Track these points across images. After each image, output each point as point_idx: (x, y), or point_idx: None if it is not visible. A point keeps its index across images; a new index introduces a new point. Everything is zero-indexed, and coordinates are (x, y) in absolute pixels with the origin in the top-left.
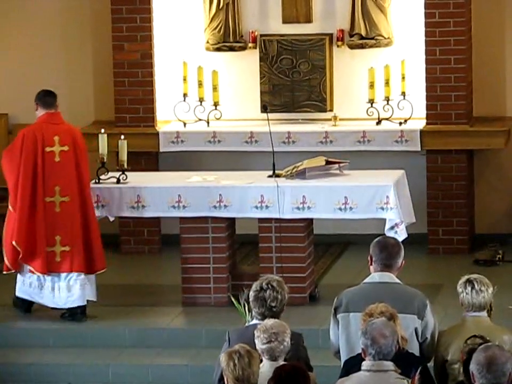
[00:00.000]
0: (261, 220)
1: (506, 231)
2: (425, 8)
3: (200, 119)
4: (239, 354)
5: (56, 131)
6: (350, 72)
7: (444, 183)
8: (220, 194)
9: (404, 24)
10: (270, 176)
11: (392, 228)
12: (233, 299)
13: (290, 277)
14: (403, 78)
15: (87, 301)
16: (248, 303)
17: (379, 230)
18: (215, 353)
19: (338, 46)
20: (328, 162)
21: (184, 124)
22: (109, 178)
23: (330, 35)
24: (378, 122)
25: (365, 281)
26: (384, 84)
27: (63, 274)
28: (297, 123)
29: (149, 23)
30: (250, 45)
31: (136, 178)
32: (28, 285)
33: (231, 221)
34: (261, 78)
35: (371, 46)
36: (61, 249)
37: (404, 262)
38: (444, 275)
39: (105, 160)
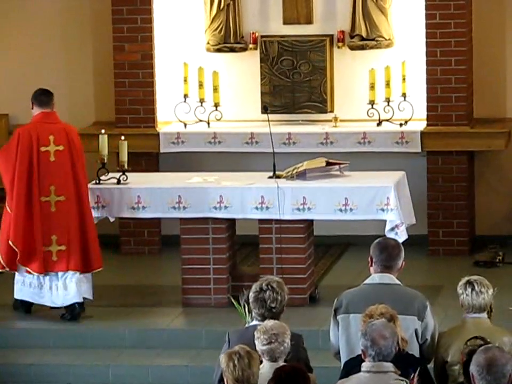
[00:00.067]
0: (261, 221)
1: (507, 232)
2: (426, 10)
3: (200, 120)
4: (239, 355)
5: (51, 130)
6: (350, 73)
7: (444, 184)
8: (220, 195)
9: (405, 25)
10: (270, 177)
11: (392, 229)
12: (233, 300)
13: (291, 278)
14: (404, 79)
15: (84, 298)
16: (248, 304)
17: (379, 231)
18: (215, 354)
19: (339, 47)
20: (328, 164)
21: (185, 125)
22: (109, 179)
23: (331, 36)
24: (379, 124)
25: (365, 282)
26: (384, 85)
27: (60, 273)
28: (297, 124)
29: (150, 23)
30: (251, 46)
31: (137, 179)
32: (28, 285)
33: (232, 222)
34: (261, 79)
35: (372, 47)
36: (57, 249)
37: (404, 263)
38: (444, 276)
39: (105, 160)
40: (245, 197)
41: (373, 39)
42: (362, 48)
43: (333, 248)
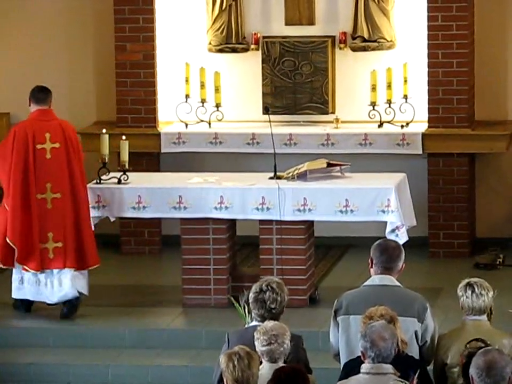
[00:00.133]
0: (261, 222)
1: (507, 235)
2: (428, 12)
3: (201, 120)
4: (238, 355)
5: (47, 128)
6: (352, 74)
7: (445, 186)
8: (221, 196)
9: (407, 27)
10: (271, 178)
11: (393, 230)
12: (233, 300)
13: (291, 279)
14: (405, 81)
15: (80, 293)
16: (248, 305)
17: (380, 233)
18: (215, 354)
19: (340, 48)
20: (329, 165)
21: (186, 125)
22: (110, 178)
23: (333, 37)
24: (380, 125)
25: (365, 283)
26: (386, 86)
27: (55, 270)
28: (299, 125)
29: (152, 23)
30: (252, 46)
31: (137, 179)
32: (27, 281)
33: (232, 222)
34: (263, 80)
35: (373, 49)
36: (53, 246)
37: (404, 265)
38: (444, 278)
39: (106, 160)
40: (245, 197)
41: (375, 41)
42: (364, 49)
43: (333, 249)
